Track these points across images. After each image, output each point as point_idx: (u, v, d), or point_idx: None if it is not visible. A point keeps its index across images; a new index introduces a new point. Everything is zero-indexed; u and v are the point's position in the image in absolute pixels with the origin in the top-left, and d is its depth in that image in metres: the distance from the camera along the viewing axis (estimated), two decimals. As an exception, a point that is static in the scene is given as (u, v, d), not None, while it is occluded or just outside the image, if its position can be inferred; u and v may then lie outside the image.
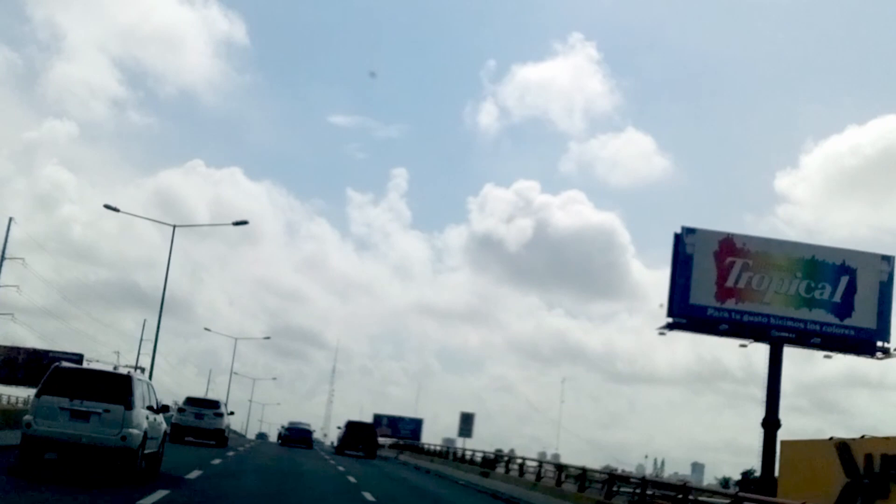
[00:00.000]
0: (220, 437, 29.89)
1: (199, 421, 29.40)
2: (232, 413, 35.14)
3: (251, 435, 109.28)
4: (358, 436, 42.49)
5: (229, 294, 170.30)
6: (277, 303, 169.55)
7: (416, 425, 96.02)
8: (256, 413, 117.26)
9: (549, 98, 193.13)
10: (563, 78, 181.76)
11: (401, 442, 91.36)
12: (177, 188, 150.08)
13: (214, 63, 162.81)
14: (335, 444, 48.62)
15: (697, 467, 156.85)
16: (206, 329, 54.28)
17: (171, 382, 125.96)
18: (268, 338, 59.63)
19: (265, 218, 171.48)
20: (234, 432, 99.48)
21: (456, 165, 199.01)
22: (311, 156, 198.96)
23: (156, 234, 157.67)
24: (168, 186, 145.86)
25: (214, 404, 31.21)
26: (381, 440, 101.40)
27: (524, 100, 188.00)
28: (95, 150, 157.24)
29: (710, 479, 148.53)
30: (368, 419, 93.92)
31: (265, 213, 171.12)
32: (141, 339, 68.27)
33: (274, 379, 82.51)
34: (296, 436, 46.48)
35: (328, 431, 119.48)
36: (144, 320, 69.61)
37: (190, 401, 31.15)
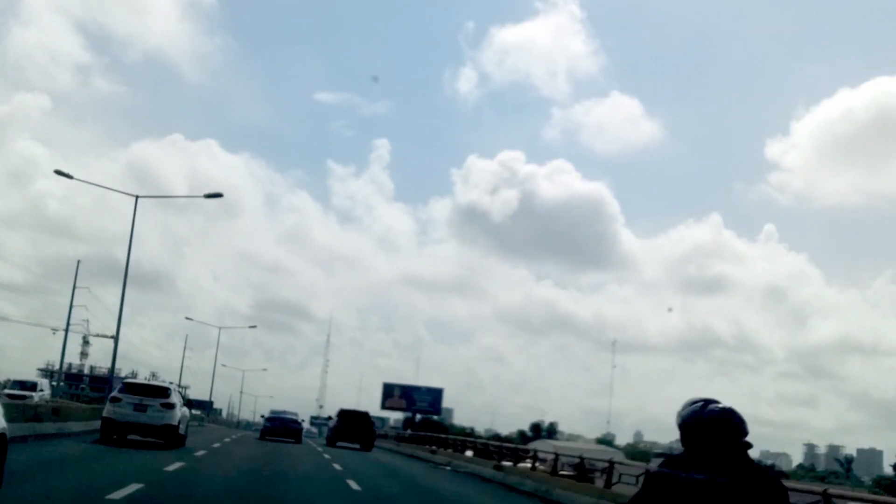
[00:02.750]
0: (172, 436, 22.71)
1: (141, 414, 22.27)
2: (188, 403, 29.18)
3: (244, 413, 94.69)
4: (352, 425, 39.08)
5: (212, 268, 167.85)
6: (261, 276, 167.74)
7: (435, 396, 78.95)
8: (233, 382, 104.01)
9: (531, 61, 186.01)
10: (544, 39, 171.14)
11: (418, 417, 76.02)
12: (151, 160, 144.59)
13: (183, 26, 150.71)
14: (330, 426, 44.02)
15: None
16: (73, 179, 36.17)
17: (161, 358, 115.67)
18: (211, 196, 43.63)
19: (245, 191, 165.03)
20: (220, 423, 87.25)
21: (439, 137, 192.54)
22: (290, 125, 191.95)
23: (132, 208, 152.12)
24: (142, 159, 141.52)
25: (162, 392, 23.67)
26: (394, 415, 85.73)
27: (505, 64, 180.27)
28: (66, 122, 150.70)
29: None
30: (376, 390, 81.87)
31: (244, 185, 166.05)
32: (74, 286, 52.90)
33: (252, 327, 66.55)
34: (279, 427, 39.19)
35: (324, 402, 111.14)
36: (79, 261, 53.89)
37: (128, 387, 23.64)
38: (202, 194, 38.29)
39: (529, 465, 27.53)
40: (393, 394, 77.09)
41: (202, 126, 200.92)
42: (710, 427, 3.14)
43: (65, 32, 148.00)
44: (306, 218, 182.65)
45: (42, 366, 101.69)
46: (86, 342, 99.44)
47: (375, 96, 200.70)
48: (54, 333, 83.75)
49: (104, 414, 22.35)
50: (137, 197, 36.00)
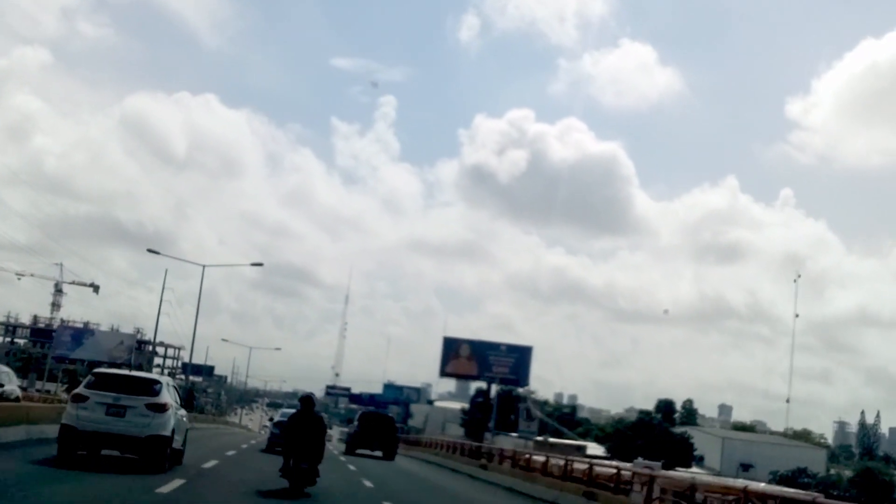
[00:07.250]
0: (161, 451, 15.12)
1: (117, 420, 14.84)
2: (188, 399, 9.39)
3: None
4: (374, 431, 36.19)
5: (217, 230, 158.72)
6: (266, 238, 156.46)
7: (520, 357, 52.60)
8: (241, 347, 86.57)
9: (536, 4, 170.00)
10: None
11: (494, 390, 52.13)
12: (154, 115, 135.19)
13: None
14: (349, 431, 41.01)
15: (725, 409, 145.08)
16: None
17: (166, 323, 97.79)
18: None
19: (249, 150, 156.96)
20: (227, 390, 67.93)
21: (445, 95, 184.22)
22: (303, 87, 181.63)
23: (133, 167, 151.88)
24: (141, 113, 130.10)
25: (148, 387, 15.62)
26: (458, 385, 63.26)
27: (508, 9, 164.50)
28: (63, 74, 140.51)
29: (742, 417, 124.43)
30: (391, 358, 61.69)
31: (249, 145, 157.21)
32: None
33: (258, 265, 46.47)
34: None
35: (340, 371, 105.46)
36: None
37: (100, 380, 15.50)
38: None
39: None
40: (459, 353, 52.06)
41: (206, 80, 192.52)
42: (302, 402, 14.23)
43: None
44: (312, 178, 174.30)
45: (2, 318, 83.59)
46: (59, 291, 79.86)
47: (392, 62, 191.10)
48: (20, 280, 75.21)
49: (63, 420, 15.08)
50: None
